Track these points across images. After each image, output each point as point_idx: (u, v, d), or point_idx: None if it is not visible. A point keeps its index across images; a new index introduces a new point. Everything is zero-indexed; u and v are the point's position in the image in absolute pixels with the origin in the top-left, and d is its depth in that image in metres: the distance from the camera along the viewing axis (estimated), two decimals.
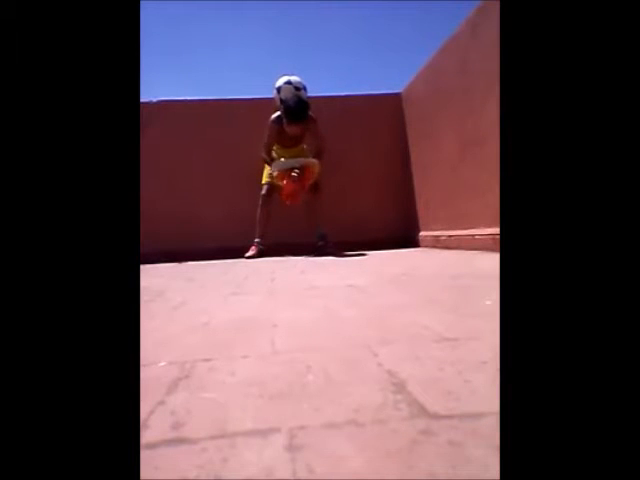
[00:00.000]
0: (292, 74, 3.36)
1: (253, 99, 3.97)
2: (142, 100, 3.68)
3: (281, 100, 3.26)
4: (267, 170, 3.45)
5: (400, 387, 0.49)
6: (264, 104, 3.79)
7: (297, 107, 3.14)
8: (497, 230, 2.33)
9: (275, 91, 3.37)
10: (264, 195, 3.44)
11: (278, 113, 3.28)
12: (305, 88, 3.32)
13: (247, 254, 3.35)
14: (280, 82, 3.32)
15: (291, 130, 3.26)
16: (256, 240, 3.42)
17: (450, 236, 3.02)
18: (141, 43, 0.45)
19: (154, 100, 3.91)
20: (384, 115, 4.02)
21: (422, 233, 3.62)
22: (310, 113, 3.24)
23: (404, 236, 3.84)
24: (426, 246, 3.49)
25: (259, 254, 3.36)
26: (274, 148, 3.49)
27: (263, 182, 3.48)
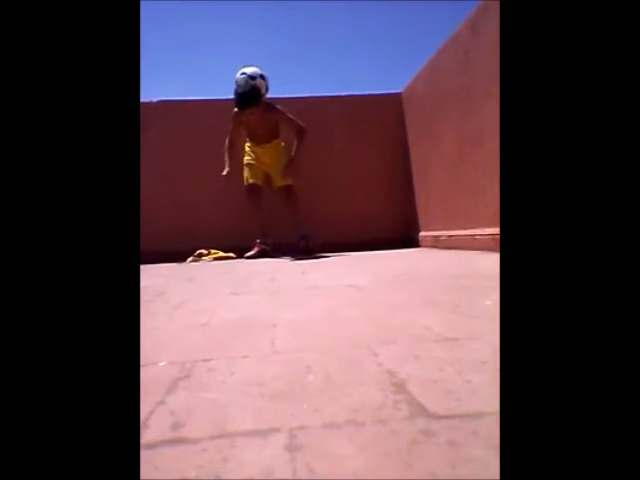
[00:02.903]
0: (253, 65, 3.32)
1: None
2: (142, 100, 3.68)
3: None
4: (246, 172, 3.46)
5: (400, 387, 0.49)
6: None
7: (242, 92, 3.15)
8: (497, 230, 2.33)
9: (234, 84, 3.34)
10: (247, 196, 3.47)
11: None
12: (263, 77, 3.25)
13: (247, 254, 3.34)
14: (237, 75, 3.27)
15: (246, 118, 3.29)
16: (257, 240, 3.42)
17: (450, 236, 3.02)
18: (141, 43, 0.45)
19: (154, 100, 3.91)
20: (384, 115, 4.02)
21: (422, 233, 3.62)
22: (267, 101, 3.24)
23: (404, 236, 3.83)
24: (426, 246, 3.49)
25: (260, 254, 3.34)
26: (248, 145, 3.50)
27: (246, 182, 3.48)
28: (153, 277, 2.20)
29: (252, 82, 3.17)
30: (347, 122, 4.00)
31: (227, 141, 3.49)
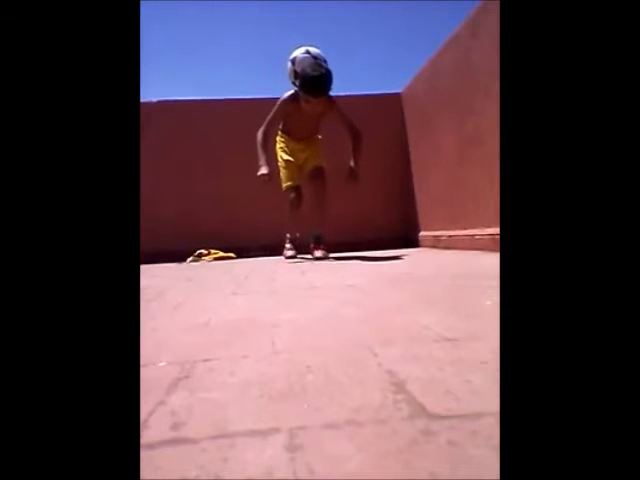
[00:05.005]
0: (311, 45, 2.63)
1: (253, 99, 3.97)
2: (142, 100, 3.68)
3: (296, 73, 2.49)
4: (285, 173, 2.85)
5: (400, 387, 0.49)
6: (264, 104, 3.79)
7: (319, 76, 2.41)
8: (497, 230, 2.33)
9: (289, 63, 2.57)
10: (294, 200, 2.80)
11: (292, 91, 2.59)
12: (326, 62, 2.55)
13: (288, 254, 3.03)
14: (296, 53, 2.57)
15: (310, 108, 2.55)
16: (288, 245, 3.12)
17: (450, 236, 3.02)
18: (141, 43, 0.45)
19: (154, 100, 3.92)
20: (384, 115, 4.02)
21: (422, 233, 3.62)
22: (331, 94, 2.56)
23: (404, 236, 3.84)
24: (426, 246, 3.49)
25: (294, 255, 3.04)
26: (282, 140, 2.88)
27: (285, 184, 2.83)
28: (153, 277, 2.20)
29: (324, 65, 2.48)
30: None
31: (261, 134, 2.68)
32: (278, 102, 2.67)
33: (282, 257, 3.15)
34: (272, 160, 2.77)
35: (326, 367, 0.58)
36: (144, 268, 2.59)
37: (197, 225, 3.85)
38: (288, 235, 3.17)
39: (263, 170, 2.57)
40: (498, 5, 2.10)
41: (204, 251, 3.59)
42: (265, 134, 2.69)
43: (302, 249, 3.13)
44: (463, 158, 2.79)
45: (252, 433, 0.40)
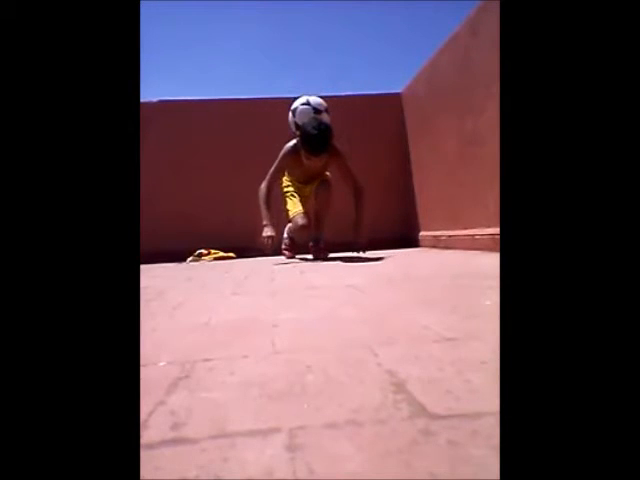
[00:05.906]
0: (311, 94, 2.70)
1: (253, 99, 3.97)
2: (142, 100, 3.68)
3: (297, 125, 2.58)
4: (291, 203, 2.79)
5: (400, 387, 0.49)
6: (264, 104, 3.80)
7: (318, 134, 2.40)
8: (497, 230, 2.33)
9: (290, 114, 2.67)
10: (304, 225, 2.68)
11: (294, 142, 2.61)
12: (327, 111, 2.64)
13: (287, 254, 3.13)
14: (296, 103, 2.65)
15: (311, 164, 2.55)
16: (285, 246, 3.19)
17: (450, 236, 3.02)
18: (141, 42, 0.45)
19: (154, 100, 3.92)
20: (384, 115, 4.02)
21: (422, 233, 3.62)
22: (334, 143, 2.53)
23: (404, 236, 3.84)
24: (426, 246, 3.49)
25: (294, 255, 3.14)
26: (288, 180, 2.86)
27: (294, 211, 2.73)
28: (153, 277, 2.20)
29: (324, 121, 2.51)
30: (347, 122, 4.00)
31: (265, 188, 2.62)
32: (280, 154, 2.65)
33: (281, 257, 3.16)
34: (275, 218, 2.68)
35: (326, 367, 0.58)
36: (144, 268, 2.59)
37: (197, 225, 3.85)
38: (287, 233, 3.18)
39: (268, 232, 2.51)
40: (498, 5, 2.10)
41: (204, 251, 3.58)
42: (269, 188, 2.63)
43: (302, 249, 3.14)
44: (463, 158, 2.80)
45: (252, 433, 0.40)
